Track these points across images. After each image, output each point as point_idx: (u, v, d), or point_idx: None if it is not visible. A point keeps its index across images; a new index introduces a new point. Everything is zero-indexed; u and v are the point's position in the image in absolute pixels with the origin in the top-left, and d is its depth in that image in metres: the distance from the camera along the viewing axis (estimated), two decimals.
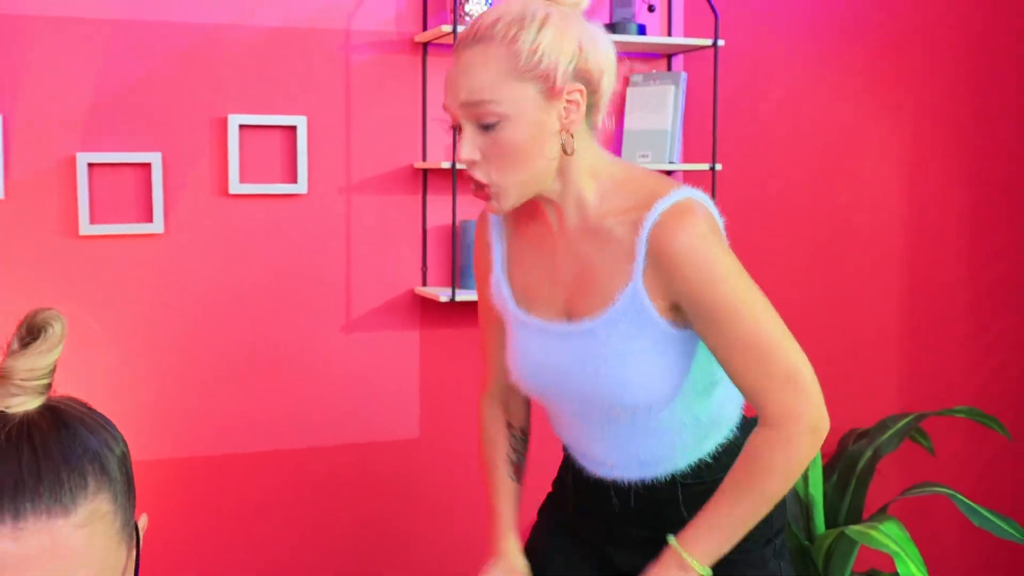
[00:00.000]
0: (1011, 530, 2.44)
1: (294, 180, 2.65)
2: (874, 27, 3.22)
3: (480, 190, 1.46)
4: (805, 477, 2.76)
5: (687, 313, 1.43)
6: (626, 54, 2.95)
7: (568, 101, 1.42)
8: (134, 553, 0.93)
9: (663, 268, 1.40)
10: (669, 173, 3.00)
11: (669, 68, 3.00)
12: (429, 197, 2.78)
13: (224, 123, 2.59)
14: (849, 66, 3.20)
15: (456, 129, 1.46)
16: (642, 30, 2.81)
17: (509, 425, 1.78)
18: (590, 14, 2.90)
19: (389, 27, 2.71)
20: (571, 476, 1.73)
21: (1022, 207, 3.45)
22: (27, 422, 0.87)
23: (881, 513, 2.57)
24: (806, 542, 2.71)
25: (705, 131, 3.03)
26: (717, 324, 1.40)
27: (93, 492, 0.87)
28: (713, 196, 2.88)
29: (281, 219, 2.65)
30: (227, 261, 2.61)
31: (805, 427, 1.40)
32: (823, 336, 3.23)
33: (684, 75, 2.85)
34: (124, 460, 0.92)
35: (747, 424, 1.62)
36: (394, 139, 2.73)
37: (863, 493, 2.80)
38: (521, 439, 1.78)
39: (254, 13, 2.59)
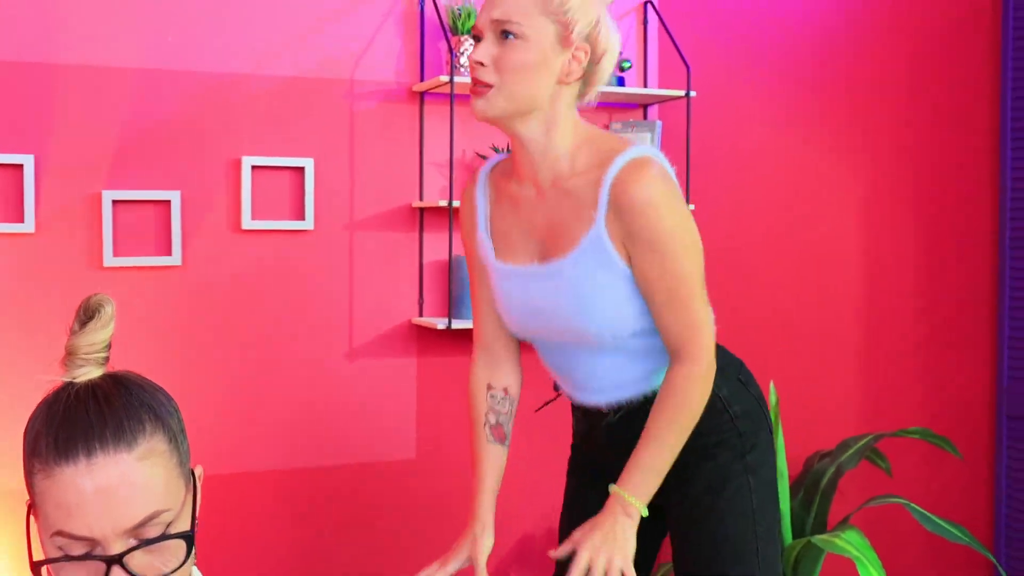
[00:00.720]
0: (961, 535, 2.66)
1: (302, 217, 2.86)
2: (835, 80, 3.50)
3: (477, 87, 1.67)
4: None
5: (632, 251, 1.67)
6: (605, 104, 3.19)
7: (573, 56, 1.68)
8: (191, 495, 1.11)
9: (622, 212, 1.64)
10: None
11: (645, 117, 3.25)
12: (426, 234, 2.99)
13: (238, 164, 2.79)
14: (812, 116, 3.47)
15: (476, 39, 1.69)
16: (620, 82, 3.06)
17: (490, 387, 1.93)
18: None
19: (389, 77, 2.94)
20: (574, 413, 1.95)
21: (969, 246, 3.73)
22: (91, 385, 1.07)
23: (843, 523, 2.78)
24: None
25: (679, 174, 3.28)
26: (653, 257, 1.65)
27: (150, 433, 1.05)
28: None
29: (289, 253, 2.85)
30: (239, 292, 2.81)
31: (710, 364, 1.69)
32: (787, 364, 3.46)
33: (659, 123, 3.10)
34: (175, 413, 1.11)
35: None
36: (394, 180, 2.95)
37: (827, 507, 3.01)
38: (503, 399, 1.92)
39: (266, 63, 2.81)
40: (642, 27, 3.22)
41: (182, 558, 1.05)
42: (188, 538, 1.05)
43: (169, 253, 2.73)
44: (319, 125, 2.87)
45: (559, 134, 1.70)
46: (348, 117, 2.90)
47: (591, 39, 1.69)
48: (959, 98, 3.68)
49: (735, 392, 1.83)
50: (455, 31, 2.88)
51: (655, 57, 3.24)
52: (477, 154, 3.02)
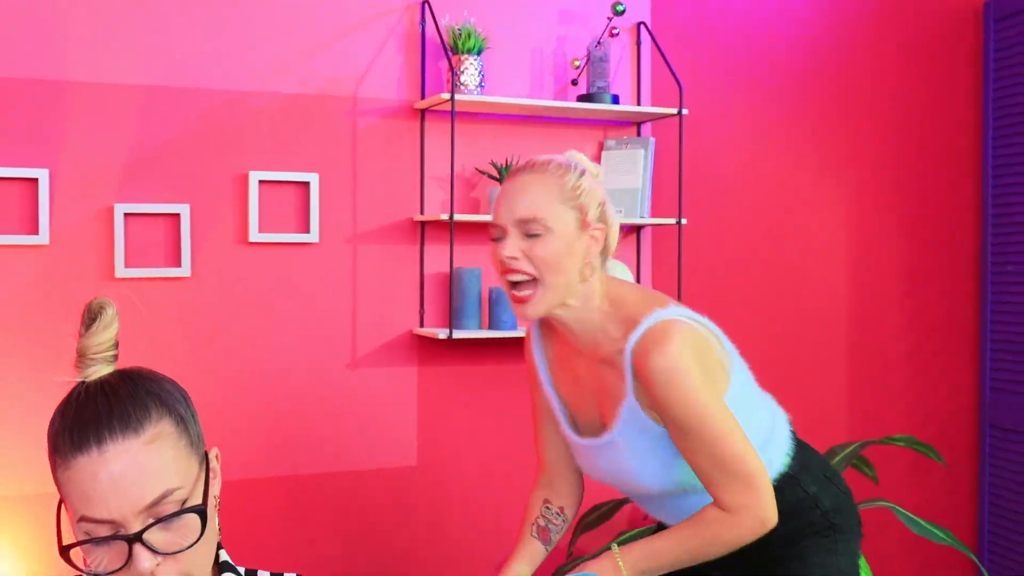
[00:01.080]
0: (945, 537, 2.75)
1: (307, 230, 2.94)
2: (822, 97, 3.61)
3: (517, 290, 1.75)
4: None
5: (663, 417, 1.71)
6: (600, 121, 3.29)
7: (592, 236, 1.76)
8: (207, 474, 1.19)
9: (643, 383, 1.70)
10: (639, 228, 3.33)
11: (639, 134, 3.34)
12: (427, 247, 3.08)
13: (245, 179, 2.88)
14: (800, 132, 3.58)
15: (497, 239, 1.76)
16: (615, 100, 3.16)
17: (547, 501, 2.04)
18: (563, 85, 3.26)
19: (392, 95, 3.03)
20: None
21: (954, 259, 3.83)
22: (101, 381, 1.16)
23: None
24: None
25: (672, 189, 3.38)
26: (684, 432, 1.69)
27: (156, 419, 1.14)
28: (679, 247, 3.21)
29: (295, 265, 2.94)
30: (246, 302, 2.89)
31: (756, 518, 1.70)
32: (778, 373, 3.56)
33: (652, 140, 3.19)
34: (183, 399, 1.19)
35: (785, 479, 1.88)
36: (395, 194, 3.04)
37: None
38: (557, 515, 2.04)
39: (273, 81, 2.90)
40: (635, 47, 3.32)
41: (198, 532, 1.13)
42: (201, 512, 1.12)
43: (179, 265, 2.81)
44: (324, 141, 2.96)
45: (595, 309, 1.77)
46: (352, 133, 2.99)
47: (603, 218, 1.78)
48: (942, 114, 3.80)
49: (823, 488, 1.90)
50: (455, 50, 2.97)
51: (648, 76, 3.34)
52: (476, 169, 3.11)
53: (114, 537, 1.09)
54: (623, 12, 3.11)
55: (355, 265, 3.00)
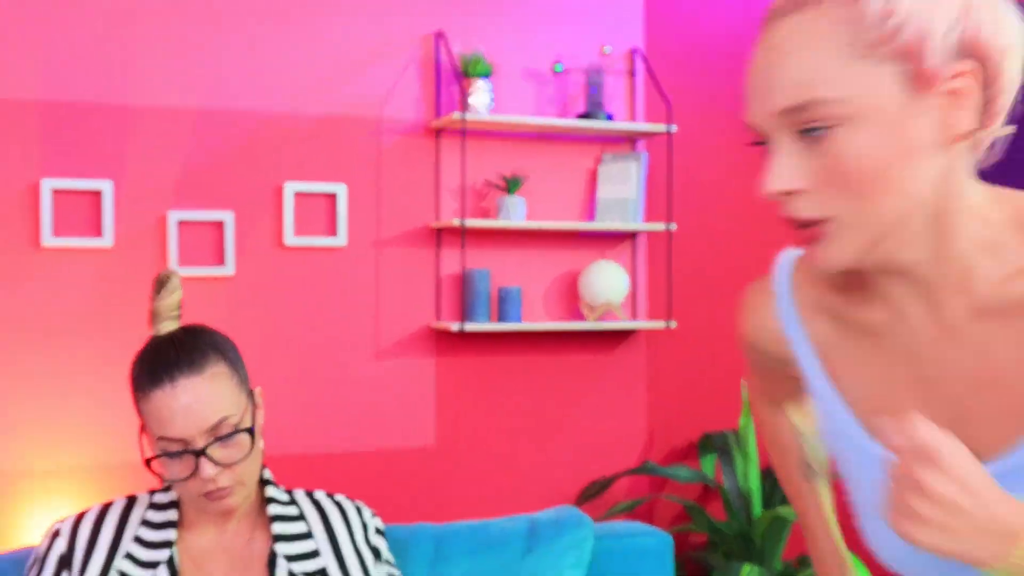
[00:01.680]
0: None
1: (335, 235, 3.32)
2: None
3: (807, 230, 0.94)
4: (744, 474, 3.40)
5: None
6: (599, 137, 3.66)
7: (950, 92, 0.89)
8: (253, 406, 1.51)
9: None
10: (634, 234, 3.69)
11: (633, 148, 3.71)
12: (442, 250, 3.45)
13: (281, 189, 3.26)
14: None
15: (762, 143, 0.97)
16: (610, 117, 3.53)
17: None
18: (563, 105, 3.65)
19: (410, 115, 3.41)
20: None
21: None
22: (170, 334, 1.49)
23: None
24: (746, 527, 3.34)
25: (662, 198, 3.74)
26: None
27: (214, 362, 1.46)
28: (669, 250, 3.57)
29: (325, 266, 3.31)
30: (282, 299, 3.26)
31: None
32: None
33: (645, 154, 3.56)
34: (233, 348, 1.51)
35: None
36: (414, 203, 3.42)
37: None
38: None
39: (307, 104, 3.29)
40: (630, 71, 3.70)
41: (248, 448, 1.47)
42: (249, 431, 1.46)
43: (223, 264, 3.19)
44: (351, 156, 3.34)
45: (963, 229, 0.93)
46: (376, 149, 3.37)
47: (969, 46, 0.89)
48: None
49: None
50: (466, 74, 3.35)
51: (642, 96, 3.71)
52: (486, 181, 3.49)
53: (184, 451, 1.42)
54: (610, 52, 3.49)
55: (378, 266, 3.37)
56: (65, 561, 1.50)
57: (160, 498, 1.55)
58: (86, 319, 3.06)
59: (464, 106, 3.31)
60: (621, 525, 2.20)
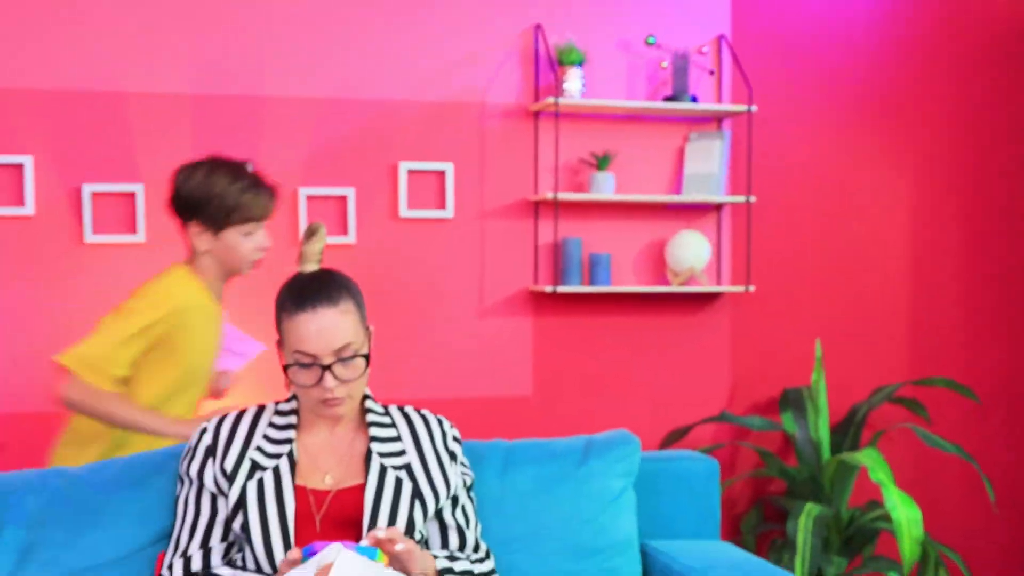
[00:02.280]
0: (953, 449, 3.35)
1: (444, 207, 3.75)
2: (883, 90, 4.20)
3: None
4: (815, 424, 3.69)
5: None
6: (685, 118, 3.98)
7: None
8: (368, 340, 1.90)
9: None
10: (719, 206, 4.00)
11: (718, 127, 4.02)
12: (540, 220, 3.84)
13: (396, 168, 3.70)
14: (860, 121, 4.18)
15: None
16: (694, 99, 3.84)
17: None
18: (654, 88, 3.97)
19: (511, 100, 3.81)
20: None
21: (1010, 220, 4.35)
22: (312, 273, 1.88)
23: (869, 446, 3.50)
24: (816, 472, 3.64)
25: (743, 173, 4.04)
26: None
27: (345, 299, 1.85)
28: (748, 221, 3.87)
29: (435, 235, 3.74)
30: (397, 265, 3.71)
31: None
32: (839, 334, 4.17)
33: (728, 132, 3.87)
34: (359, 292, 1.89)
35: None
36: (514, 179, 3.81)
37: (859, 435, 3.74)
38: None
39: (420, 91, 3.72)
40: (717, 55, 4.00)
41: (362, 370, 1.88)
42: (366, 357, 1.87)
43: (346, 234, 3.65)
44: (458, 137, 3.76)
45: None
46: (480, 131, 3.78)
47: None
48: (1004, 112, 4.33)
49: None
50: (560, 63, 3.72)
51: (728, 80, 4.02)
52: (579, 159, 3.85)
53: (313, 364, 1.84)
54: (654, 43, 3.77)
55: (482, 235, 3.78)
56: (211, 451, 1.95)
57: (283, 406, 1.99)
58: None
59: (559, 91, 3.68)
60: (673, 452, 2.55)
